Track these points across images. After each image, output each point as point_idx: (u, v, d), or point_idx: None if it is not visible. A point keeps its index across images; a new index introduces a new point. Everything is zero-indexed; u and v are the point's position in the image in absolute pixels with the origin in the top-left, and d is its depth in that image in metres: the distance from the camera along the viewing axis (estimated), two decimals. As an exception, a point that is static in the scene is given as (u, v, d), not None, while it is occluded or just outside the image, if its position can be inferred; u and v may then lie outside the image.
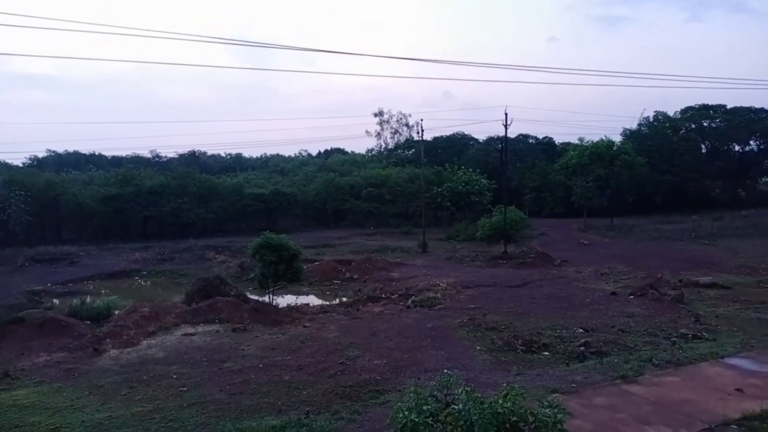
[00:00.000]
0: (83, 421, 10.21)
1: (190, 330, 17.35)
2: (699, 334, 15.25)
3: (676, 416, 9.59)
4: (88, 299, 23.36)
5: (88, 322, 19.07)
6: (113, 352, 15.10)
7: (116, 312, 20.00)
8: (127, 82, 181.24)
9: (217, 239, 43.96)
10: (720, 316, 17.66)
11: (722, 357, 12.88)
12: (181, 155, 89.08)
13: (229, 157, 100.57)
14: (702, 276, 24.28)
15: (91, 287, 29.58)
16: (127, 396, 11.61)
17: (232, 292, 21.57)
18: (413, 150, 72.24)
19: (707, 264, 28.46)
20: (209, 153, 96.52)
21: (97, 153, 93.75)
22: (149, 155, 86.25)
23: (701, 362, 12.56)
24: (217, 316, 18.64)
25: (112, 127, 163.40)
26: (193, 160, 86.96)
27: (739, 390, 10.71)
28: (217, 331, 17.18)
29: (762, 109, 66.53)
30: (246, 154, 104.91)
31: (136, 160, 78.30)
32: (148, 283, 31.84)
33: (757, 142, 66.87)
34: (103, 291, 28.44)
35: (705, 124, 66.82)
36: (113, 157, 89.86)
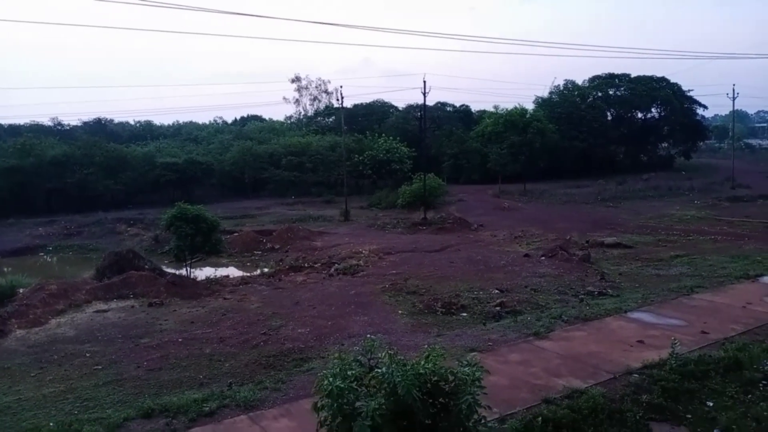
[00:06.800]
0: (-11, 406, 9.65)
1: (103, 306, 16.64)
2: (604, 291, 16.26)
3: (583, 368, 10.24)
4: (-12, 278, 21.79)
5: (-10, 302, 17.83)
6: (20, 332, 14.26)
7: (21, 291, 18.78)
8: (22, 46, 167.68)
9: (128, 212, 41.99)
10: (623, 273, 18.88)
11: (625, 312, 13.81)
12: (85, 123, 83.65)
13: (138, 124, 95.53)
14: (607, 236, 25.80)
15: (-9, 265, 27.65)
16: (37, 377, 11.06)
17: (146, 266, 20.78)
18: (333, 117, 71.38)
19: (612, 225, 30.24)
20: (116, 120, 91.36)
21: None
22: (50, 123, 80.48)
23: (606, 317, 13.43)
24: (131, 291, 17.96)
25: (6, 92, 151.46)
26: (99, 128, 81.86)
27: (640, 341, 11.56)
28: (132, 307, 16.58)
29: (663, 78, 70.58)
30: (156, 121, 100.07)
31: (36, 129, 72.74)
32: (55, 259, 30.15)
33: (658, 109, 71.06)
34: (5, 269, 26.63)
35: (611, 92, 70.18)
36: (9, 125, 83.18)
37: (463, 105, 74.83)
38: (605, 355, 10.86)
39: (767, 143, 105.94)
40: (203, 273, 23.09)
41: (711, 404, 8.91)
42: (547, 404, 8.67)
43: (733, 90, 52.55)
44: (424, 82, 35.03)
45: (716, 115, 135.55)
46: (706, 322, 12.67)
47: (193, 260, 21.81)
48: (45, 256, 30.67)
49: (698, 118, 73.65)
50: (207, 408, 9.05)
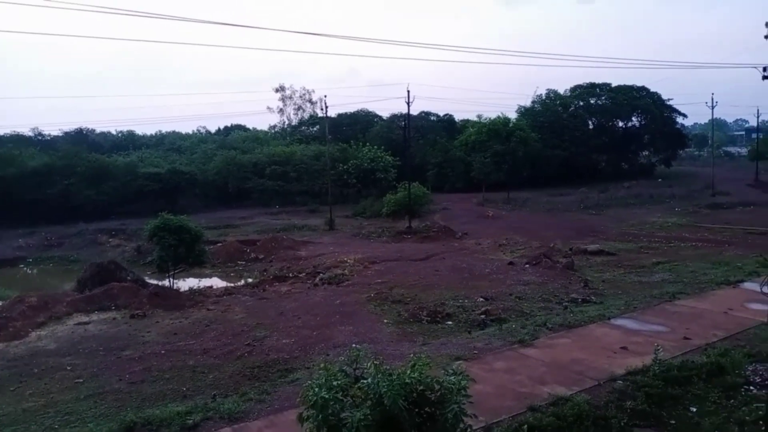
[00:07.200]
0: (-34, 422, 9.44)
1: (84, 318, 16.43)
2: (588, 298, 16.37)
3: (568, 375, 10.28)
4: (-34, 291, 21.43)
5: (-33, 315, 17.49)
6: (-2, 346, 14.02)
7: (0, 303, 18.54)
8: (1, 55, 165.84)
9: (110, 222, 41.60)
10: (606, 280, 19.03)
11: (609, 318, 13.91)
12: (66, 133, 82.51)
13: (120, 134, 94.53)
14: (590, 244, 26.01)
15: (-31, 278, 27.17)
16: (17, 391, 10.85)
17: (128, 277, 20.58)
18: (318, 126, 71.39)
19: (594, 232, 30.50)
20: (98, 130, 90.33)
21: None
22: (30, 133, 79.37)
23: (590, 324, 13.51)
24: (113, 302, 17.75)
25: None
26: (80, 138, 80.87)
27: (623, 348, 11.63)
28: (114, 319, 16.37)
29: (643, 87, 71.57)
30: (139, 131, 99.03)
31: (16, 139, 71.63)
32: (35, 271, 29.73)
33: (639, 117, 71.96)
34: (-17, 282, 26.18)
35: (592, 102, 71.00)
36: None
37: (446, 114, 75.27)
38: (589, 361, 10.91)
39: (746, 151, 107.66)
40: (186, 284, 22.88)
41: (694, 410, 8.99)
42: (532, 412, 8.69)
43: (712, 99, 53.61)
44: (408, 91, 35.31)
45: (696, 124, 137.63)
46: (688, 328, 12.80)
47: (176, 271, 21.62)
48: (25, 268, 30.23)
49: (678, 126, 74.67)
50: (190, 421, 8.94)
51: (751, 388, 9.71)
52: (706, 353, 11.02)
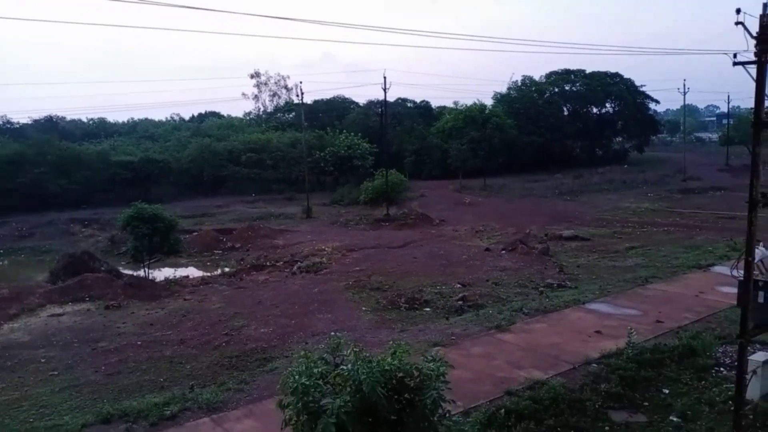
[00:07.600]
0: (-64, 418, 9.25)
1: (58, 310, 16.18)
2: (563, 283, 16.63)
3: (544, 359, 10.45)
4: (-67, 284, 20.87)
5: (-65, 308, 17.08)
6: (-32, 339, 13.73)
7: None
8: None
9: (83, 212, 40.84)
10: (581, 265, 19.32)
11: (583, 303, 14.15)
12: (36, 121, 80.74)
13: (91, 122, 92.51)
14: (565, 230, 26.35)
15: (-64, 270, 26.54)
16: (-11, 386, 10.67)
17: (102, 268, 20.30)
18: (293, 113, 70.73)
19: (569, 218, 30.87)
20: (69, 118, 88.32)
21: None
22: (-1, 121, 77.48)
23: (565, 309, 13.74)
24: (87, 293, 17.49)
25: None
26: (50, 126, 79.07)
27: (598, 332, 11.86)
28: (88, 310, 16.15)
29: (616, 74, 72.24)
30: (111, 118, 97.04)
31: (-16, 128, 70.07)
32: (6, 262, 29.11)
33: (612, 104, 72.73)
34: (-49, 274, 25.58)
35: (567, 88, 71.43)
36: (-44, 125, 79.48)
37: (423, 101, 75.02)
38: (565, 345, 11.10)
39: (717, 136, 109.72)
40: (162, 274, 22.62)
41: (667, 391, 9.21)
42: (509, 396, 8.83)
43: (684, 85, 54.57)
44: (384, 78, 35.18)
45: (668, 110, 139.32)
46: (660, 312, 13.08)
47: (152, 261, 21.36)
48: (-5, 259, 29.58)
49: (651, 112, 75.68)
50: (168, 411, 8.90)
51: (722, 369, 9.98)
52: (678, 336, 11.29)
